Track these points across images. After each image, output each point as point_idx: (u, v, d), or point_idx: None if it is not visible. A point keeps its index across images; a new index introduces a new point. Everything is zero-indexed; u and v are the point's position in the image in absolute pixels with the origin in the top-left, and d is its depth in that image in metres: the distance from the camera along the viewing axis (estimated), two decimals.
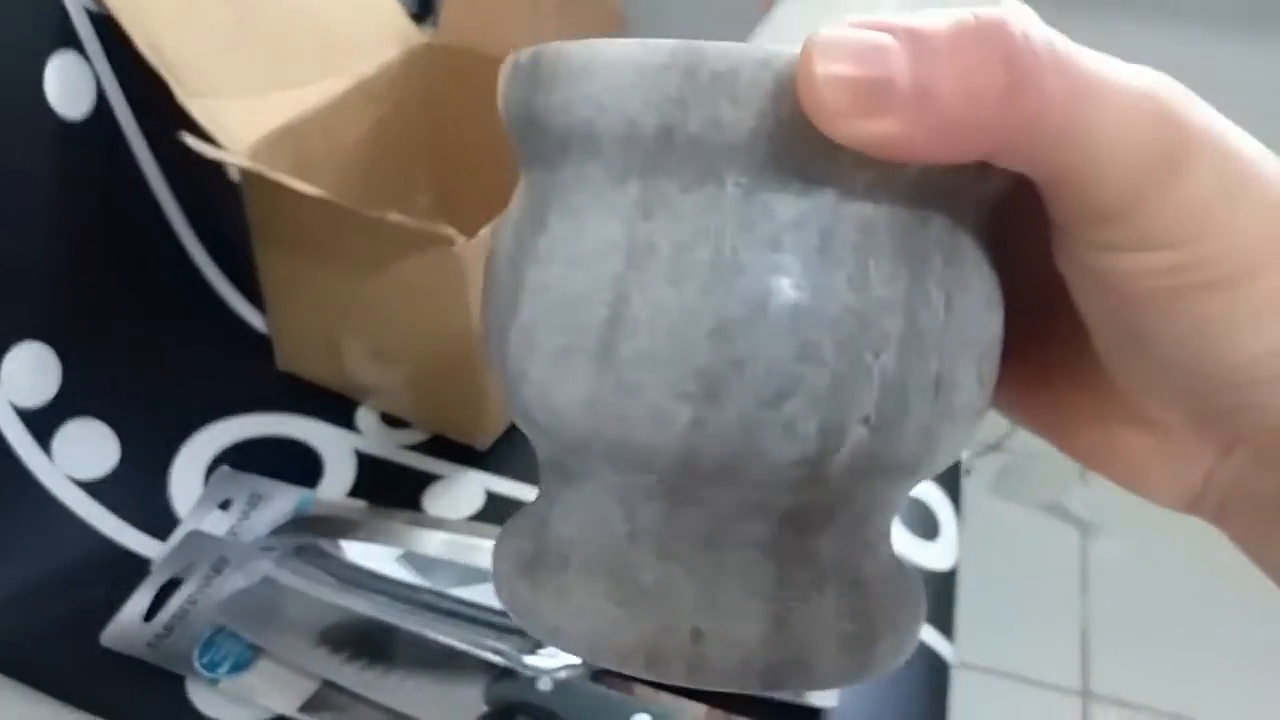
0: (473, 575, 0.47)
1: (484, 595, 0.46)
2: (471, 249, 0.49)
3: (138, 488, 0.54)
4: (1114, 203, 0.17)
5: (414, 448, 0.58)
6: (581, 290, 0.18)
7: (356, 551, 0.48)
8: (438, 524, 0.53)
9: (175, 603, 0.48)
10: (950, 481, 0.59)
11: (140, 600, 0.48)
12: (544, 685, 0.42)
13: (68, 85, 0.52)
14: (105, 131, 0.55)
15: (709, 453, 0.18)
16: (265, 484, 0.54)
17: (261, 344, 0.62)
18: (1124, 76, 0.17)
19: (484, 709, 0.43)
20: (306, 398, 0.60)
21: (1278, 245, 0.17)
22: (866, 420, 0.18)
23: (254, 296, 0.61)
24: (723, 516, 0.19)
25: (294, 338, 0.61)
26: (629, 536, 0.20)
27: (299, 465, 0.56)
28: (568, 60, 0.18)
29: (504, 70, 0.21)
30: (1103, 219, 0.17)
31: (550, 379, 0.19)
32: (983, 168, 0.17)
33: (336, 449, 0.57)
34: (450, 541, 0.51)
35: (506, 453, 0.58)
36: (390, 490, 0.55)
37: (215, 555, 0.50)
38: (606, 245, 0.18)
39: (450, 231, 0.48)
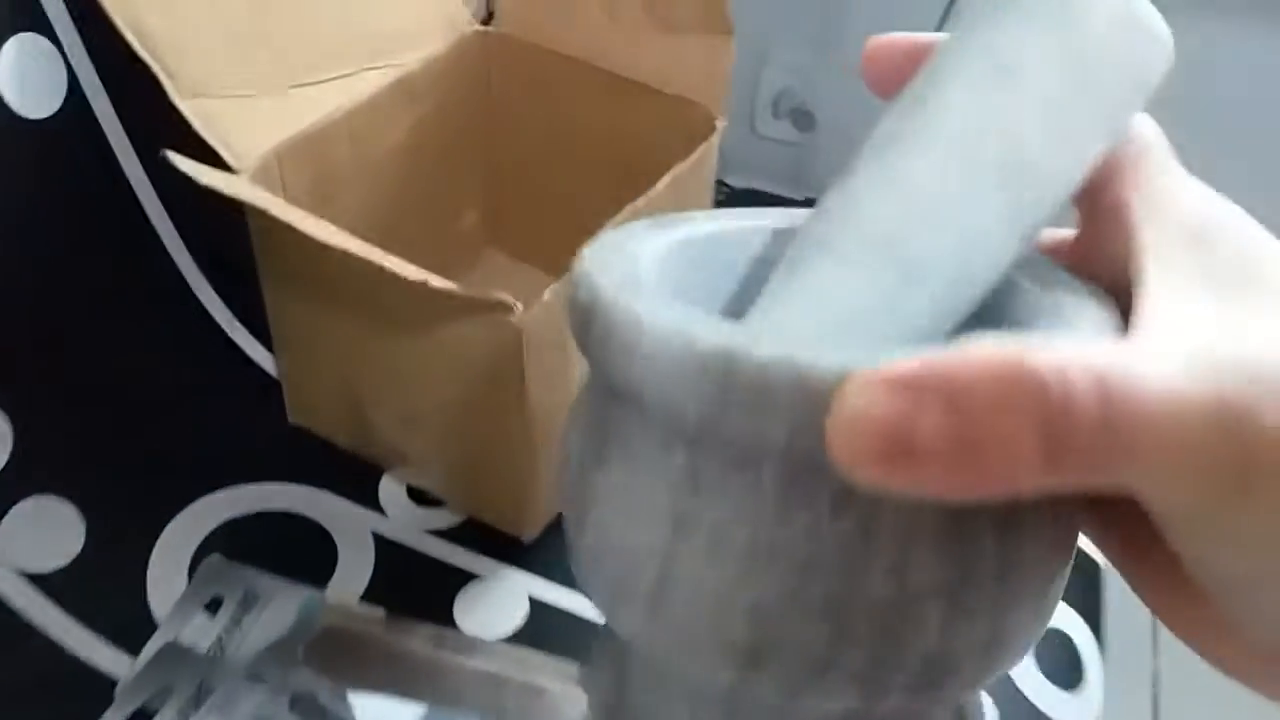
0: None
1: None
2: (532, 319, 0.38)
3: (106, 584, 0.44)
4: (1184, 516, 0.17)
5: (445, 534, 0.47)
6: (635, 545, 0.20)
7: (368, 711, 0.37)
8: (471, 649, 0.42)
9: None
10: (1093, 616, 0.48)
11: None
12: None
13: (30, 75, 0.41)
14: (78, 132, 0.44)
15: (758, 698, 0.20)
16: (263, 580, 0.44)
17: (270, 390, 0.51)
18: (1183, 397, 0.16)
19: None
20: (321, 462, 0.50)
21: None
22: (909, 685, 0.19)
23: (263, 331, 0.51)
24: None
25: (309, 389, 0.50)
26: None
27: (308, 551, 0.46)
28: (618, 328, 0.19)
29: (570, 278, 0.21)
30: (1177, 522, 0.17)
31: (611, 601, 0.21)
32: None
33: (353, 532, 0.47)
34: (487, 681, 0.41)
35: (555, 548, 0.47)
36: (415, 590, 0.45)
37: (196, 679, 0.40)
38: (656, 509, 0.19)
39: (508, 299, 0.37)
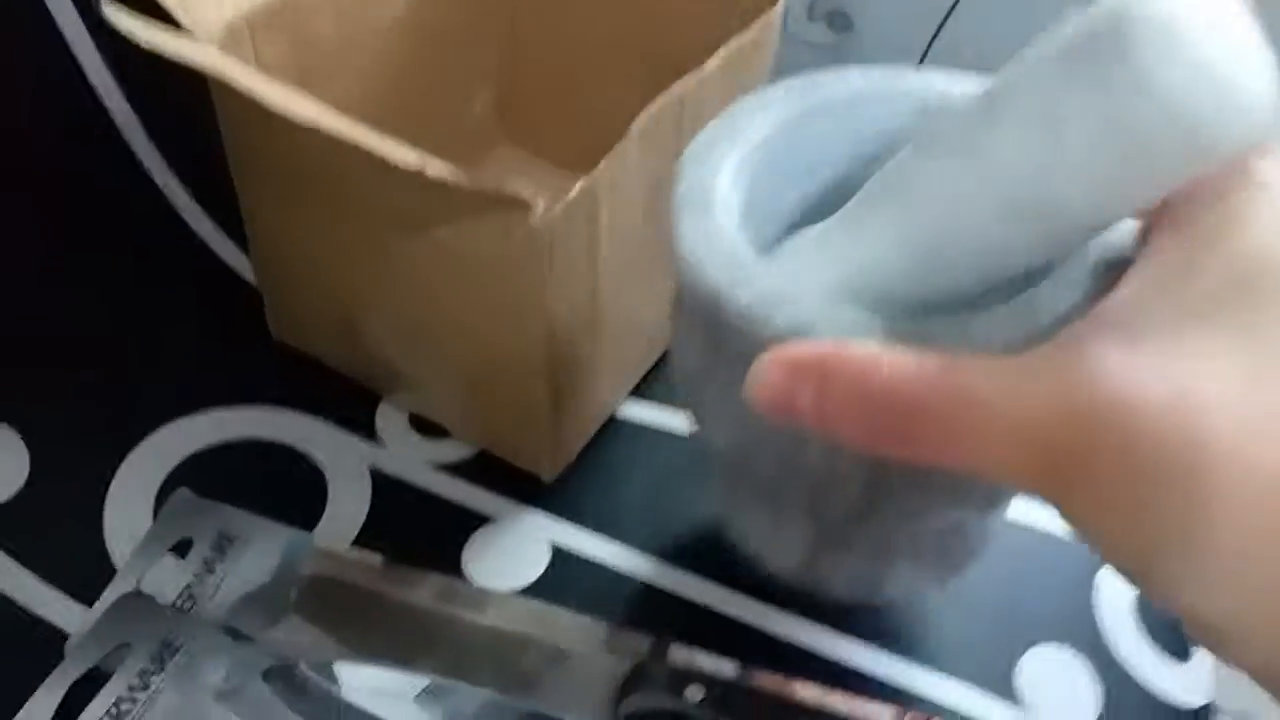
0: None
1: None
2: (555, 221, 0.31)
3: (55, 523, 0.38)
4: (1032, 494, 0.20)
5: (452, 469, 0.41)
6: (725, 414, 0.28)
7: (358, 682, 0.31)
8: (482, 603, 0.36)
9: (93, 715, 0.32)
10: None
11: (42, 705, 0.32)
12: (694, 694, 0.33)
13: None
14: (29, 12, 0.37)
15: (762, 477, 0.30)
16: (241, 519, 0.38)
17: (250, 302, 0.45)
18: (1013, 405, 0.19)
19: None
20: (309, 384, 0.43)
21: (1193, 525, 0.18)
22: (850, 510, 0.28)
23: (243, 233, 0.44)
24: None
25: (292, 301, 0.43)
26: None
27: (293, 486, 0.40)
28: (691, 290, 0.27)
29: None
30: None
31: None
32: None
33: (346, 465, 0.41)
34: (501, 642, 0.35)
35: (580, 487, 0.41)
36: (418, 534, 0.39)
37: (159, 635, 0.34)
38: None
39: (527, 195, 0.30)
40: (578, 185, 0.31)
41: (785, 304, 0.24)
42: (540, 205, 0.30)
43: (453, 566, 0.38)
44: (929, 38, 1.23)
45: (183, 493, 0.39)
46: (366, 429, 0.42)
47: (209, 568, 0.37)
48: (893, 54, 1.32)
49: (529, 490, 0.40)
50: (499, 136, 0.52)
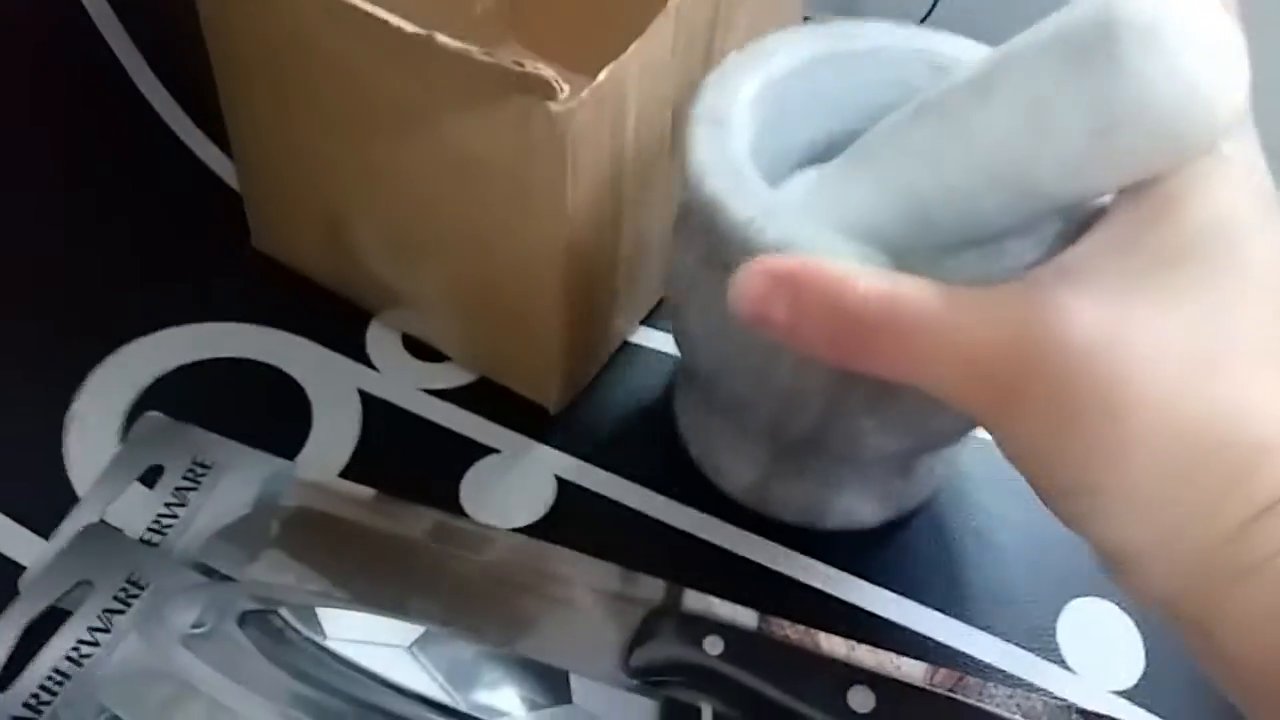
0: (539, 686, 0.28)
1: None
2: (582, 109, 0.27)
3: (11, 446, 0.34)
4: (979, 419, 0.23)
5: (449, 396, 0.38)
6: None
7: (344, 631, 0.28)
8: (483, 543, 0.33)
9: (50, 659, 0.29)
10: None
11: None
12: (713, 646, 0.31)
13: None
14: None
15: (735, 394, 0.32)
16: (217, 446, 0.35)
17: (231, 210, 0.41)
18: (966, 331, 0.22)
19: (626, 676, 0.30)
20: (294, 300, 0.39)
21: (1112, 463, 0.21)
22: (808, 432, 0.30)
23: (222, 132, 0.39)
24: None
25: (276, 205, 0.39)
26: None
27: (274, 411, 0.37)
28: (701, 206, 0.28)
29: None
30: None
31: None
32: None
33: (333, 387, 0.37)
34: (502, 587, 0.32)
35: (587, 420, 0.37)
36: (412, 464, 0.36)
37: (124, 570, 0.31)
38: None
39: (552, 76, 0.26)
40: (606, 69, 0.27)
41: (779, 220, 0.26)
42: (565, 89, 0.26)
43: (450, 501, 0.35)
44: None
45: (153, 415, 0.35)
46: (356, 351, 0.38)
47: (181, 498, 0.33)
48: (899, 6, 1.26)
49: (533, 420, 0.37)
50: (506, 34, 0.47)
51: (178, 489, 0.33)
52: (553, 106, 0.26)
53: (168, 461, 0.34)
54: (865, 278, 0.22)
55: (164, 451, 0.34)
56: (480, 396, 0.37)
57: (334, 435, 0.36)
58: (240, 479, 0.34)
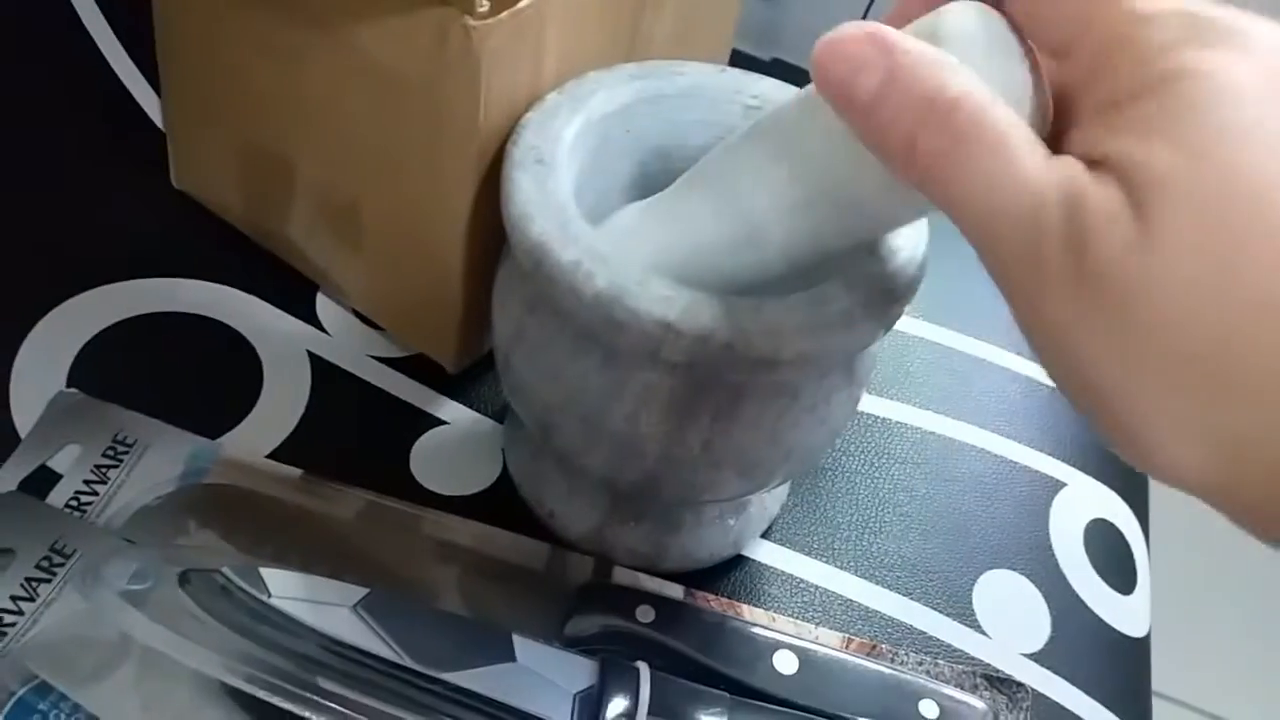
0: (483, 645, 0.28)
1: (499, 684, 0.27)
2: (499, 31, 0.28)
3: None
4: (1001, 280, 0.21)
5: (399, 365, 0.38)
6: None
7: (288, 590, 0.28)
8: (414, 523, 0.33)
9: None
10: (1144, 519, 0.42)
11: None
12: (644, 615, 0.31)
13: None
14: None
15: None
16: (138, 423, 0.34)
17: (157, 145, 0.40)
18: (1031, 168, 0.19)
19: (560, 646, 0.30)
20: (245, 258, 0.39)
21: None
22: (643, 478, 0.30)
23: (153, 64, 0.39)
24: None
25: (197, 142, 0.39)
26: None
27: (226, 370, 0.36)
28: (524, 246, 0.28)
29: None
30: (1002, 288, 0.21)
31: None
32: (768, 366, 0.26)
33: (283, 348, 0.37)
34: (438, 553, 0.32)
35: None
36: (362, 432, 0.36)
37: (47, 540, 0.30)
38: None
39: None
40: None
41: (607, 264, 0.26)
42: (485, 4, 0.26)
43: (399, 470, 0.35)
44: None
45: (68, 394, 0.34)
46: (306, 312, 0.38)
47: (101, 475, 0.33)
48: (833, 9, 1.30)
49: (486, 396, 0.37)
50: None
51: (97, 466, 0.33)
52: (470, 21, 0.27)
53: (85, 441, 0.33)
54: (965, 77, 0.20)
55: (81, 430, 0.33)
56: (431, 365, 0.37)
57: (283, 399, 0.36)
58: (163, 457, 0.33)
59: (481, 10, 0.27)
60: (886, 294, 0.27)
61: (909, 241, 0.28)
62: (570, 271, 0.26)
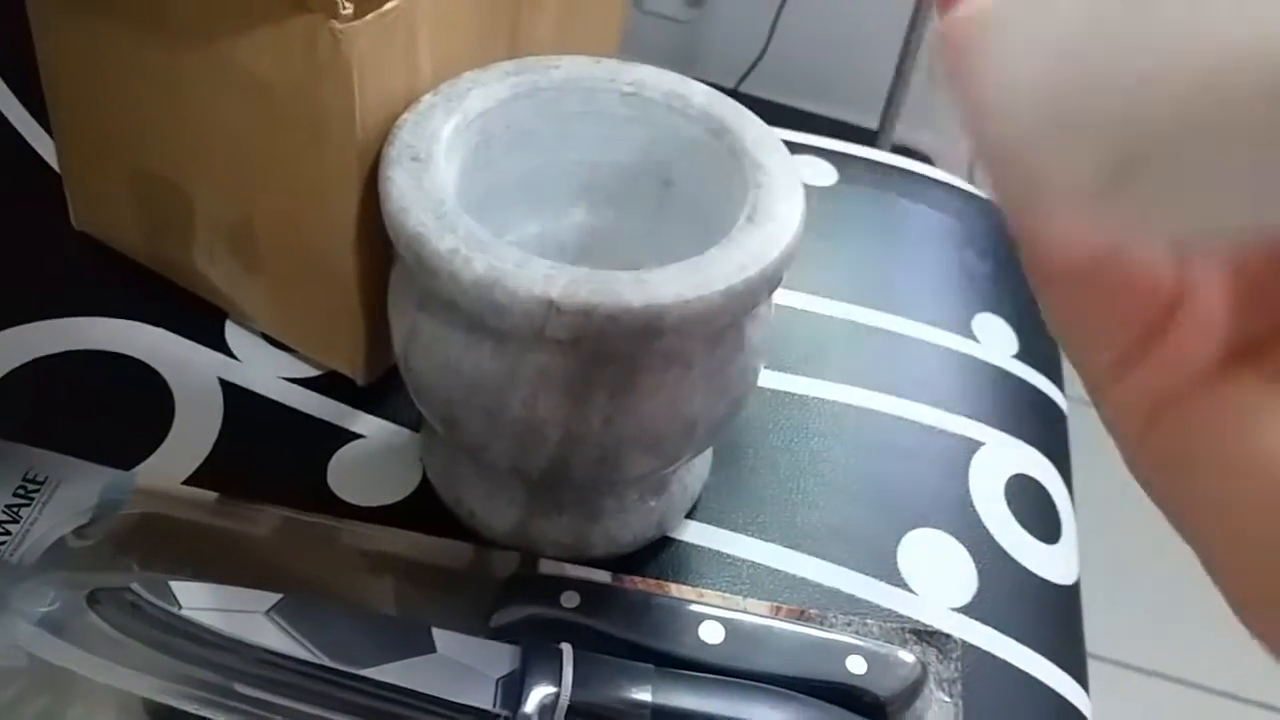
0: (401, 639, 0.28)
1: (420, 676, 0.27)
2: (367, 33, 0.28)
3: None
4: None
5: (311, 384, 0.38)
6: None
7: (199, 601, 0.28)
8: (331, 536, 0.33)
9: None
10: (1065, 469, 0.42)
11: None
12: (569, 600, 0.32)
13: None
14: None
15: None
16: (48, 460, 0.34)
17: (53, 187, 0.40)
18: None
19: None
20: (148, 290, 0.39)
21: None
22: (551, 464, 0.30)
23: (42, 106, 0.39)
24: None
25: (91, 170, 0.39)
26: None
27: (136, 403, 0.36)
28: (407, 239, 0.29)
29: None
30: None
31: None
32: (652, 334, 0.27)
33: (193, 378, 0.37)
34: (358, 560, 0.32)
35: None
36: (277, 452, 0.36)
37: None
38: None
39: None
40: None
41: (485, 249, 0.26)
42: (348, 7, 0.27)
43: (317, 486, 0.35)
44: (774, 14, 1.26)
45: None
46: (215, 340, 0.38)
47: (12, 515, 0.32)
48: (742, 30, 1.34)
49: (401, 406, 0.37)
50: None
51: (7, 506, 0.32)
52: (336, 24, 0.27)
53: None
54: None
55: None
56: (343, 381, 0.37)
57: (196, 427, 0.36)
58: (76, 491, 0.33)
59: (345, 13, 0.27)
60: (765, 258, 0.28)
61: (786, 209, 0.29)
62: (448, 259, 0.26)
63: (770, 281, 0.28)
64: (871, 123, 1.23)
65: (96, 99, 0.36)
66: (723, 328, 0.29)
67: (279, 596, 0.28)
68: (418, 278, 0.28)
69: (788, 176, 0.30)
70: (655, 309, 0.26)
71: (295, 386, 0.37)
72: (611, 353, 0.28)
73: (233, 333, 0.39)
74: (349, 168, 0.30)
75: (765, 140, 0.32)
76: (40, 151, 0.43)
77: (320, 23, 0.28)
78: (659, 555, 0.35)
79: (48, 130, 0.42)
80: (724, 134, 0.32)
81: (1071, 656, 0.37)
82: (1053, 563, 0.38)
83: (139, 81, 0.34)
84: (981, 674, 0.34)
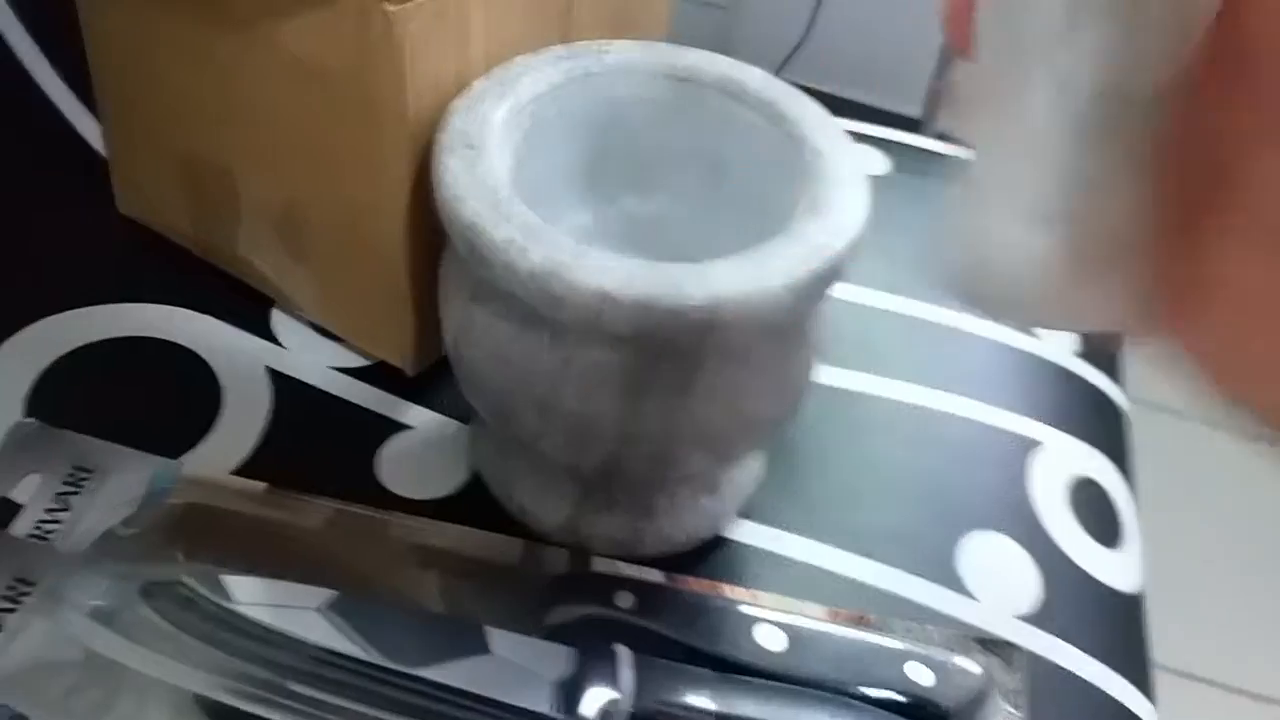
0: (455, 639, 0.28)
1: (476, 677, 0.27)
2: (420, 15, 0.27)
3: None
4: None
5: (360, 374, 0.37)
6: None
7: (251, 596, 0.27)
8: (381, 529, 0.33)
9: None
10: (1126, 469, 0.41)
11: None
12: (624, 600, 0.31)
13: None
14: None
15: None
16: (98, 449, 0.33)
17: (99, 172, 0.40)
18: None
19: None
20: (193, 277, 0.38)
21: None
22: (605, 460, 0.30)
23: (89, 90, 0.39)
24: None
25: (138, 154, 0.38)
26: None
27: (184, 392, 0.36)
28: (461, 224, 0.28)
29: None
30: None
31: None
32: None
33: (241, 366, 0.36)
34: (409, 556, 0.32)
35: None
36: (327, 443, 0.35)
37: (9, 572, 0.29)
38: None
39: None
40: None
41: (542, 239, 0.26)
42: None
43: (366, 478, 0.34)
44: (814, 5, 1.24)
45: (26, 424, 0.34)
46: (261, 328, 0.38)
47: (63, 503, 0.32)
48: (782, 16, 1.33)
49: (450, 398, 0.37)
50: None
51: (59, 494, 0.32)
52: (388, 7, 0.26)
53: (45, 469, 0.33)
54: None
55: (40, 459, 0.33)
56: (392, 371, 0.37)
57: (244, 416, 0.35)
58: (125, 480, 0.33)
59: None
60: (828, 250, 0.27)
61: (849, 199, 0.28)
62: (504, 249, 0.26)
63: (834, 275, 0.27)
64: (914, 110, 1.21)
65: (144, 83, 0.36)
66: (784, 323, 0.28)
67: (331, 593, 0.27)
68: (471, 268, 0.27)
69: (850, 165, 0.29)
70: (715, 302, 0.25)
71: (343, 376, 0.37)
72: (669, 347, 0.27)
73: (279, 321, 0.38)
74: (400, 152, 0.30)
75: (825, 127, 0.31)
76: (85, 135, 0.43)
77: (372, 5, 0.27)
78: (711, 555, 0.34)
79: (94, 114, 0.42)
80: (781, 120, 0.31)
81: (1137, 667, 0.36)
82: (1118, 570, 0.37)
83: (187, 65, 0.33)
84: (1045, 684, 0.33)
